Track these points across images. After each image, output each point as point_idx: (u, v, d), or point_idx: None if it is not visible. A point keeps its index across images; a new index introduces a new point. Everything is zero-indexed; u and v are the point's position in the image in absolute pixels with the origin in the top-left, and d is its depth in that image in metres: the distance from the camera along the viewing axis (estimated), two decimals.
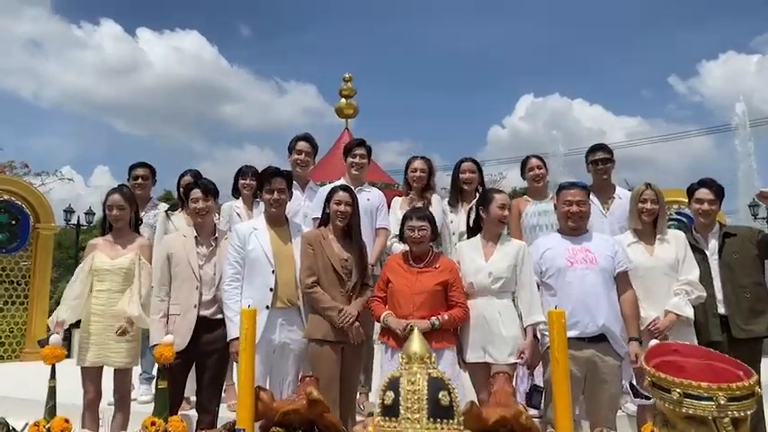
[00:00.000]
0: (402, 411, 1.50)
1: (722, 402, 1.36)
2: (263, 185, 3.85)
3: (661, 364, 1.43)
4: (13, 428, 2.48)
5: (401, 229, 3.80)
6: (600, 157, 4.62)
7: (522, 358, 3.56)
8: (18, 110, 60.69)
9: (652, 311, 3.74)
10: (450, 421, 1.51)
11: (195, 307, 3.69)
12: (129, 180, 5.17)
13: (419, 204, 4.51)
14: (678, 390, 1.38)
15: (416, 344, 1.61)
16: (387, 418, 1.54)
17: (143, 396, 4.91)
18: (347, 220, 3.77)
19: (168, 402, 2.77)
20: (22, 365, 7.80)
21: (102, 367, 3.86)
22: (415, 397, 1.48)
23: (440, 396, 1.51)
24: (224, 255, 3.80)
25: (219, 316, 3.73)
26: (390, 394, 1.54)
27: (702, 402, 1.38)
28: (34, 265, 8.60)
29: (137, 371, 5.22)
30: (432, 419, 1.49)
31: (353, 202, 3.81)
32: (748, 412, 1.54)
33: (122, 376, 3.94)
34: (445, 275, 3.62)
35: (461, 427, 1.51)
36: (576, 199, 3.68)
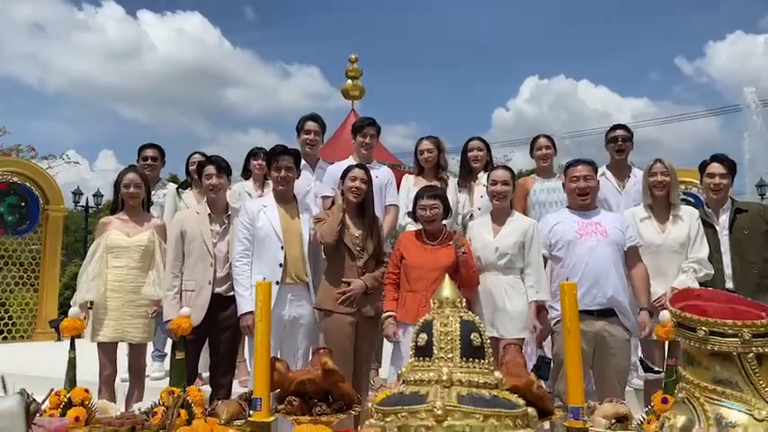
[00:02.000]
0: (435, 351, 1.54)
1: (747, 338, 1.40)
2: (271, 163, 3.88)
3: (684, 308, 1.47)
4: (34, 398, 2.53)
5: (414, 208, 3.82)
6: (620, 135, 4.68)
7: (534, 331, 3.61)
8: (22, 94, 60.79)
9: (661, 288, 3.75)
10: (482, 361, 1.55)
11: (210, 284, 3.74)
12: (138, 161, 5.18)
13: (433, 183, 4.54)
14: (704, 328, 1.42)
15: (447, 289, 1.65)
16: (420, 359, 1.58)
17: (155, 372, 4.98)
18: (361, 197, 3.78)
19: (185, 374, 2.81)
20: (34, 345, 7.91)
21: (117, 343, 3.92)
22: (448, 338, 1.52)
23: (471, 337, 1.55)
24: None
25: (232, 293, 3.78)
26: (424, 336, 1.58)
27: (727, 339, 1.42)
28: (44, 247, 8.64)
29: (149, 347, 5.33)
30: (464, 359, 1.54)
31: (368, 180, 3.83)
32: None
33: (138, 352, 4.00)
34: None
35: (491, 368, 1.55)
36: (583, 174, 3.69)
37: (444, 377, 1.44)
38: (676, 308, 1.49)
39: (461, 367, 1.49)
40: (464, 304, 1.62)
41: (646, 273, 3.65)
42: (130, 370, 4.00)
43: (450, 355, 1.50)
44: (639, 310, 3.56)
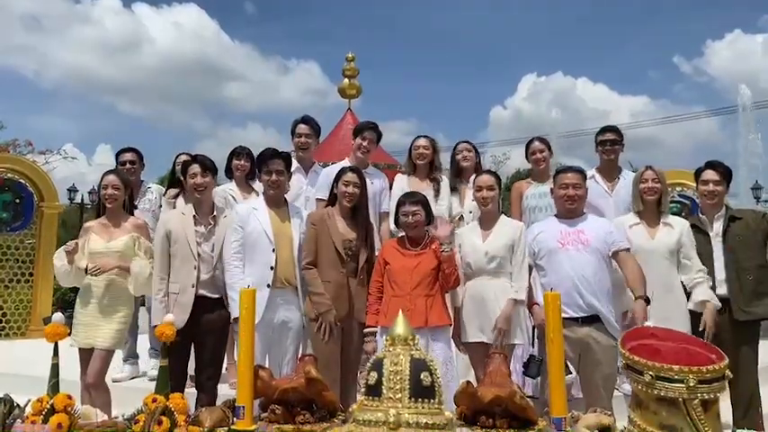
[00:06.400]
0: (384, 391, 1.53)
1: (692, 384, 1.40)
2: (262, 167, 3.86)
3: (637, 347, 1.47)
4: (17, 404, 2.52)
5: (396, 214, 3.81)
6: (609, 138, 4.67)
7: (499, 332, 3.59)
8: (19, 87, 60.45)
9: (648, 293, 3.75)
10: (432, 401, 1.54)
11: (193, 286, 3.67)
12: (117, 166, 5.09)
13: (425, 185, 4.59)
14: (650, 372, 1.42)
15: (400, 326, 1.64)
16: (370, 398, 1.57)
17: (153, 371, 4.95)
18: (354, 201, 3.80)
19: (170, 380, 2.80)
20: (28, 343, 7.88)
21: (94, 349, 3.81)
22: (398, 377, 1.52)
23: (422, 377, 1.54)
24: (222, 234, 3.79)
25: (217, 295, 3.75)
26: (374, 375, 1.57)
27: (674, 384, 1.42)
28: (39, 244, 8.61)
29: (144, 347, 5.34)
30: (413, 399, 1.53)
31: (362, 184, 3.83)
32: (718, 395, 1.57)
33: (99, 359, 3.74)
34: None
35: (441, 407, 1.54)
36: (572, 182, 3.69)
37: (392, 419, 1.43)
38: (627, 348, 1.49)
39: (409, 408, 1.48)
40: (417, 342, 1.61)
41: (638, 267, 3.56)
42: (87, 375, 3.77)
43: (399, 396, 1.49)
44: (636, 299, 3.45)
